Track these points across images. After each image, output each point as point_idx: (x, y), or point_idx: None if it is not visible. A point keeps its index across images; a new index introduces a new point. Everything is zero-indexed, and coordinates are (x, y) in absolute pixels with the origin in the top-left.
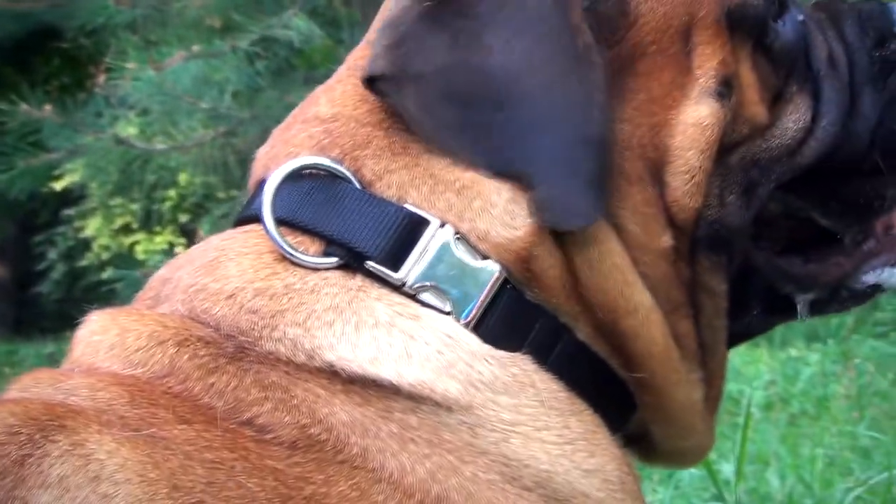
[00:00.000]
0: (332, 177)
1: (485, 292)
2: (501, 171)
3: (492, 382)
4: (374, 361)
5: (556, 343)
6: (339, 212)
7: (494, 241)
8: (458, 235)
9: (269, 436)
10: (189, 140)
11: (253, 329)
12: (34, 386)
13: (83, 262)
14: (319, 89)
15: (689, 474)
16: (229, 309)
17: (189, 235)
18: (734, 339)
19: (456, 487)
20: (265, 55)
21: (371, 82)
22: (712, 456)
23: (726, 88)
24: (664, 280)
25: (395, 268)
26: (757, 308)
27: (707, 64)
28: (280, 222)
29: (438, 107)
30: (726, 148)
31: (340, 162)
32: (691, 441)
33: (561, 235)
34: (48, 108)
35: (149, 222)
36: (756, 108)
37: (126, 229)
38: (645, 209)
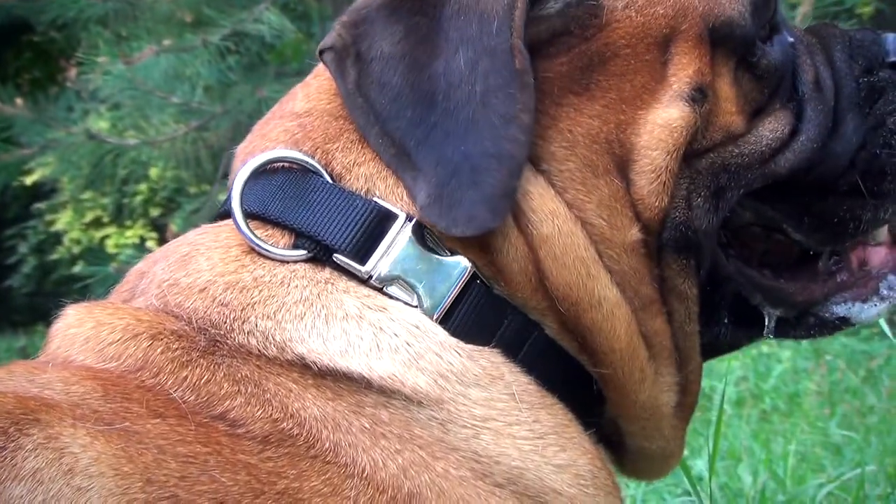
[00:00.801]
0: (304, 170)
1: (454, 286)
2: (413, 164)
3: (462, 374)
4: (345, 354)
5: (526, 339)
6: (308, 205)
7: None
8: (426, 230)
9: (241, 430)
10: (160, 134)
11: (224, 322)
12: (8, 379)
13: (54, 256)
14: (298, 86)
15: None
16: (202, 302)
17: (160, 230)
18: (707, 351)
19: (427, 484)
20: (236, 50)
21: (321, 54)
22: (684, 451)
23: (699, 95)
24: (633, 275)
25: (363, 261)
26: (727, 317)
27: (682, 72)
28: (251, 216)
29: (372, 90)
30: (696, 152)
31: (312, 155)
32: (656, 444)
33: (524, 228)
34: (19, 102)
35: (120, 216)
36: (732, 118)
37: (97, 223)
38: (611, 203)
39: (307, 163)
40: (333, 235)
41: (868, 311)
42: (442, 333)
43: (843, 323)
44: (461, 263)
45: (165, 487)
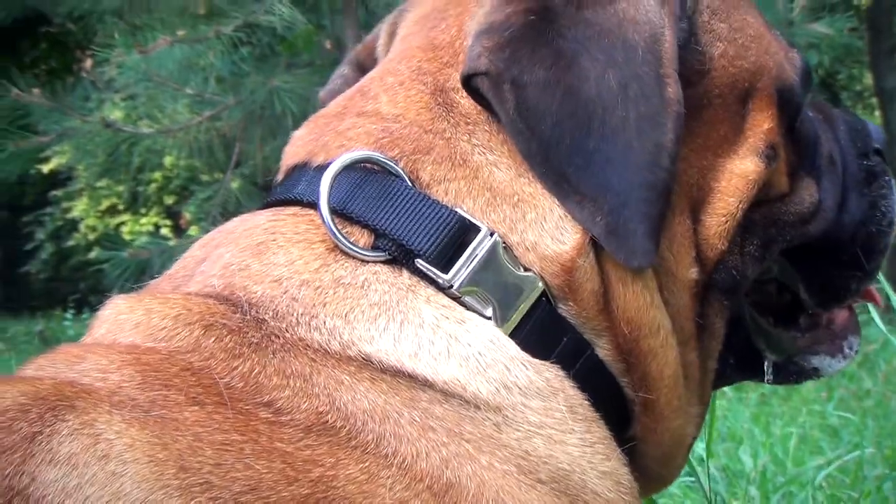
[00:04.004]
0: (385, 173)
1: (527, 301)
2: (576, 190)
3: (526, 386)
4: (413, 357)
5: (579, 358)
6: (391, 207)
7: (542, 252)
8: (504, 245)
9: (284, 418)
10: (174, 124)
11: (289, 314)
12: (50, 365)
13: (70, 243)
14: (375, 84)
15: None
16: (271, 291)
17: (174, 217)
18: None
19: (469, 474)
20: (248, 41)
21: (468, 79)
22: None
23: (772, 152)
24: (683, 310)
25: (445, 269)
26: (733, 358)
27: (758, 128)
28: (331, 211)
29: (532, 115)
30: (755, 204)
31: (396, 162)
32: (667, 471)
33: (600, 252)
34: (37, 91)
35: (135, 204)
36: (782, 178)
37: (112, 211)
38: (681, 240)
39: (392, 168)
40: (417, 240)
41: (835, 364)
42: (513, 348)
43: (815, 373)
44: (534, 281)
45: (199, 474)
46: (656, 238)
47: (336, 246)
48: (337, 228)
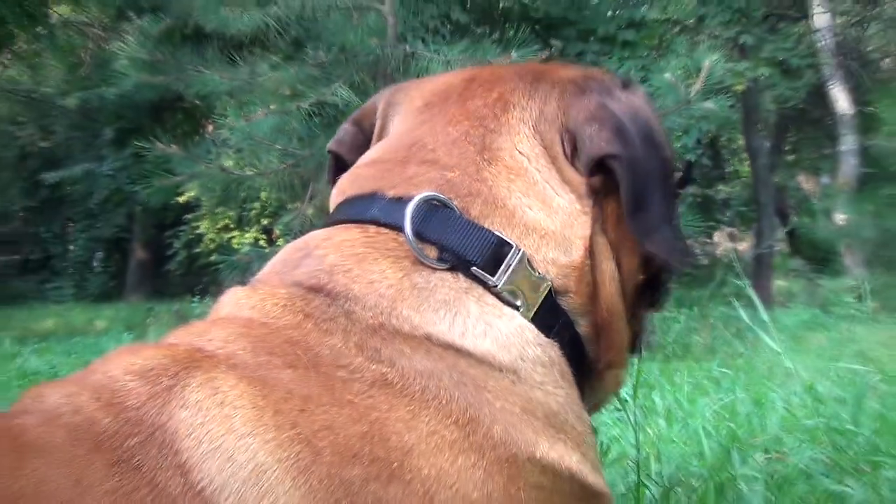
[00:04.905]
0: (444, 207)
1: (541, 295)
2: (645, 225)
3: (535, 359)
4: (461, 336)
5: (567, 334)
6: (452, 230)
7: (560, 262)
8: (528, 258)
9: (356, 377)
10: (268, 169)
11: (375, 306)
12: (186, 335)
13: (197, 250)
14: (430, 139)
15: None
16: (364, 289)
17: (268, 233)
18: None
19: (486, 413)
20: (320, 113)
21: (607, 158)
22: None
23: None
24: (630, 300)
25: (492, 274)
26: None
27: None
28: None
29: (627, 179)
30: None
31: (452, 201)
32: (602, 406)
33: (594, 262)
34: (175, 146)
35: (241, 224)
36: None
37: (226, 228)
38: (641, 257)
39: (450, 204)
40: (472, 253)
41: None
42: (532, 332)
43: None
44: (546, 281)
45: (289, 416)
46: (688, 259)
47: (416, 259)
48: (419, 247)
